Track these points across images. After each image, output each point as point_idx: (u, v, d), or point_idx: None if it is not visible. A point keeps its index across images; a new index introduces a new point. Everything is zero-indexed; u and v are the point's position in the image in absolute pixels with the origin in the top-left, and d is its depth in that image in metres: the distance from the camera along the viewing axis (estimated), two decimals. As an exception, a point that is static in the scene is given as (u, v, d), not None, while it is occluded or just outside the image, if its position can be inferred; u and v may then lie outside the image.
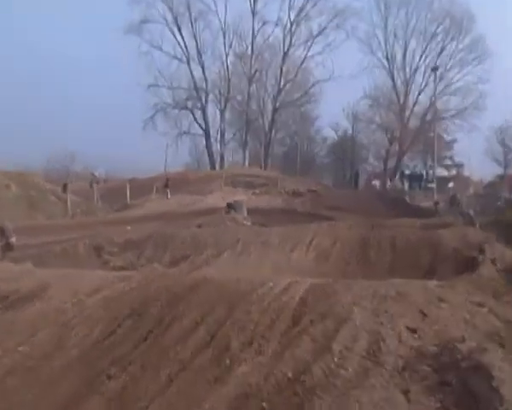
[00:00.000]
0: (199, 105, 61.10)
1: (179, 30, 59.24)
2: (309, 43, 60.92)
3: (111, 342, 6.34)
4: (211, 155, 62.11)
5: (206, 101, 61.30)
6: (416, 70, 59.65)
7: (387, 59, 59.54)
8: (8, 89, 75.42)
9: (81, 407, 5.17)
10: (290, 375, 5.09)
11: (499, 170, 56.60)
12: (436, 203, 35.79)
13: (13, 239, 14.54)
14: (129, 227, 21.68)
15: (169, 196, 37.42)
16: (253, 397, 4.87)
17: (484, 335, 5.74)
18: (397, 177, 59.93)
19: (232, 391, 5.00)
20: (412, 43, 58.82)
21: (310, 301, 6.61)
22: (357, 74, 59.24)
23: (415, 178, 56.98)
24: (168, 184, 38.48)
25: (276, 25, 60.52)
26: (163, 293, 7.39)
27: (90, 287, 7.98)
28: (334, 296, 6.67)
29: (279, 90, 61.96)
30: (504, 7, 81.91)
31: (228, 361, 5.52)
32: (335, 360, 5.19)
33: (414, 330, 5.71)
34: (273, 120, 63.16)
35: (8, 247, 14.34)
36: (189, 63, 59.93)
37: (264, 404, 4.71)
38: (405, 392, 4.57)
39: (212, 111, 62.04)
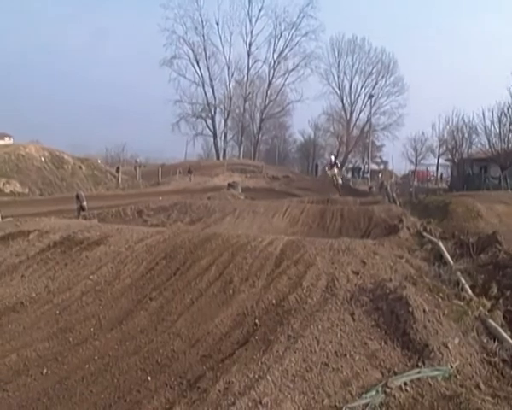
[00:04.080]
0: (209, 115, 61.06)
1: (198, 64, 59.28)
2: (286, 76, 60.85)
3: (151, 275, 6.32)
4: (217, 149, 62.25)
5: (215, 112, 61.31)
6: (358, 97, 59.77)
7: (339, 88, 59.46)
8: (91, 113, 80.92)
9: (132, 318, 5.17)
10: (274, 301, 5.12)
11: (411, 166, 57.06)
12: (370, 188, 35.77)
13: (85, 203, 14.44)
14: (160, 197, 21.40)
15: (192, 178, 36.47)
16: (248, 316, 4.90)
17: (402, 277, 5.80)
18: (344, 169, 60.23)
19: (234, 311, 5.02)
20: (356, 79, 59.14)
21: (287, 251, 6.62)
22: (318, 98, 60.67)
23: (356, 170, 57.12)
24: (191, 170, 37.75)
25: (264, 62, 60.84)
26: (186, 243, 7.33)
27: (136, 237, 7.89)
28: (303, 249, 6.68)
29: (265, 107, 62.04)
30: (417, 57, 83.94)
31: (231, 291, 5.54)
32: (304, 292, 5.23)
33: (357, 273, 5.76)
34: (260, 127, 63.43)
35: (82, 208, 14.30)
36: (203, 87, 59.80)
37: (256, 321, 4.74)
38: (352, 314, 4.61)
39: (219, 120, 62.02)
